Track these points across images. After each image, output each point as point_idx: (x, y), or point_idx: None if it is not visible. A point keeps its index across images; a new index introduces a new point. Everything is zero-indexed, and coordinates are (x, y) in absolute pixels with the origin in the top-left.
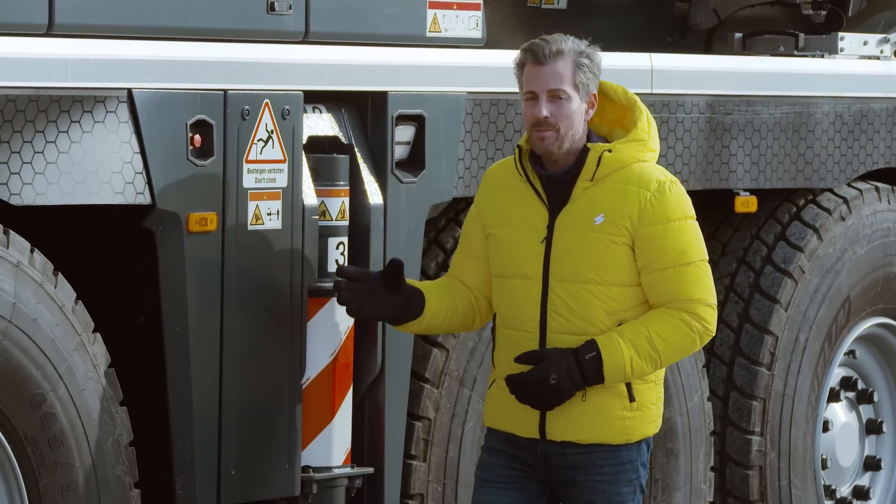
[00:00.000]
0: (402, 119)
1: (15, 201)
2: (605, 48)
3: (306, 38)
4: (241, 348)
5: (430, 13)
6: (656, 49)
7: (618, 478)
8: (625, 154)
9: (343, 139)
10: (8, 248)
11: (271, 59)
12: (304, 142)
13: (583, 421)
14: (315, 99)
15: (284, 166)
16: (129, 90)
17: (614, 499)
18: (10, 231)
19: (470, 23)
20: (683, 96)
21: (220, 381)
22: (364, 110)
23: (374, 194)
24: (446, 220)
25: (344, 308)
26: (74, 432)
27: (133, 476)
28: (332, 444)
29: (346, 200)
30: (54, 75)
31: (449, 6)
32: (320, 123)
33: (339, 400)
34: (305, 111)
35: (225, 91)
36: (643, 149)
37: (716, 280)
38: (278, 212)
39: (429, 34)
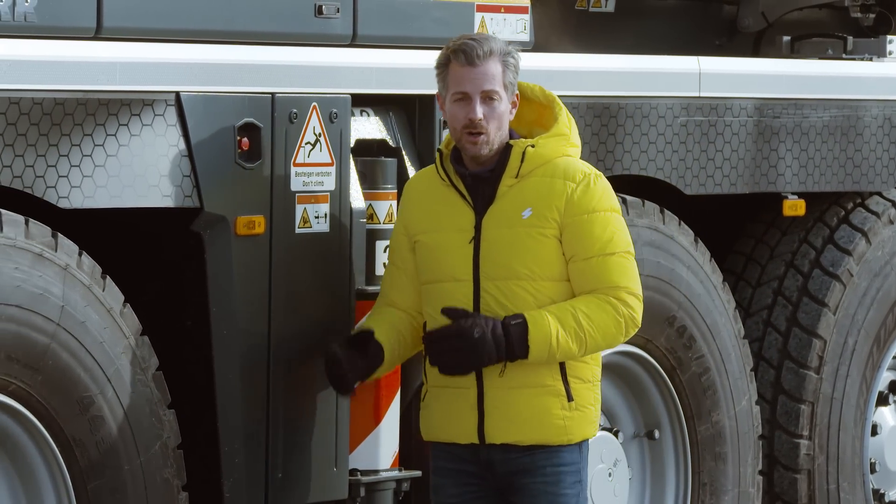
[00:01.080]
0: None
1: (63, 204)
2: (653, 51)
3: (354, 41)
4: (288, 351)
5: (478, 16)
6: (704, 52)
7: (560, 479)
8: (548, 149)
9: (391, 142)
10: (56, 251)
11: (319, 63)
12: (352, 145)
13: (521, 422)
14: (363, 102)
15: (332, 169)
16: (178, 93)
17: (559, 500)
18: (59, 234)
19: (518, 26)
20: (731, 100)
21: (268, 384)
22: (412, 113)
23: None
24: None
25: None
26: (122, 435)
27: (181, 479)
28: (380, 448)
29: (394, 204)
30: (102, 78)
31: (496, 9)
32: (368, 127)
33: (387, 403)
34: (353, 114)
35: (273, 94)
36: (566, 143)
37: (763, 284)
38: (326, 215)
39: None
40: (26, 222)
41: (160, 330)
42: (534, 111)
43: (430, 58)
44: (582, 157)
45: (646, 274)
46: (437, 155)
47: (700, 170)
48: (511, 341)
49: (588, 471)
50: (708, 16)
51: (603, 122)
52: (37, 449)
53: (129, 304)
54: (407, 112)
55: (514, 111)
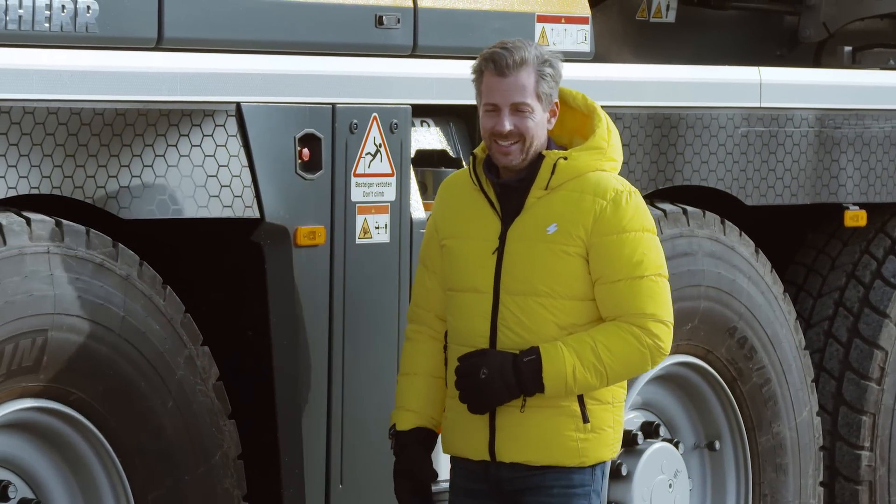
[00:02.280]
0: None
1: (124, 214)
2: (714, 62)
3: (414, 51)
4: (348, 361)
5: (539, 27)
6: (765, 63)
7: (566, 500)
8: (581, 162)
9: (451, 153)
10: (117, 261)
11: (379, 73)
12: (412, 155)
13: (533, 442)
14: (423, 112)
15: (392, 180)
16: (238, 104)
17: None
18: (119, 244)
19: (578, 36)
20: (792, 110)
21: (328, 394)
22: (472, 123)
23: None
24: None
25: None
26: (183, 445)
27: (241, 489)
28: (441, 458)
29: None
30: (163, 89)
31: (557, 20)
32: (428, 137)
33: None
34: (413, 125)
35: (333, 105)
36: (601, 157)
37: (824, 294)
38: (386, 225)
39: None
40: (87, 232)
41: (221, 340)
42: (576, 119)
43: None
44: (643, 169)
45: (706, 285)
46: (470, 158)
47: (761, 180)
48: (523, 379)
49: (604, 494)
50: (769, 26)
51: (663, 132)
52: (97, 459)
53: (189, 314)
54: (467, 122)
55: (554, 120)
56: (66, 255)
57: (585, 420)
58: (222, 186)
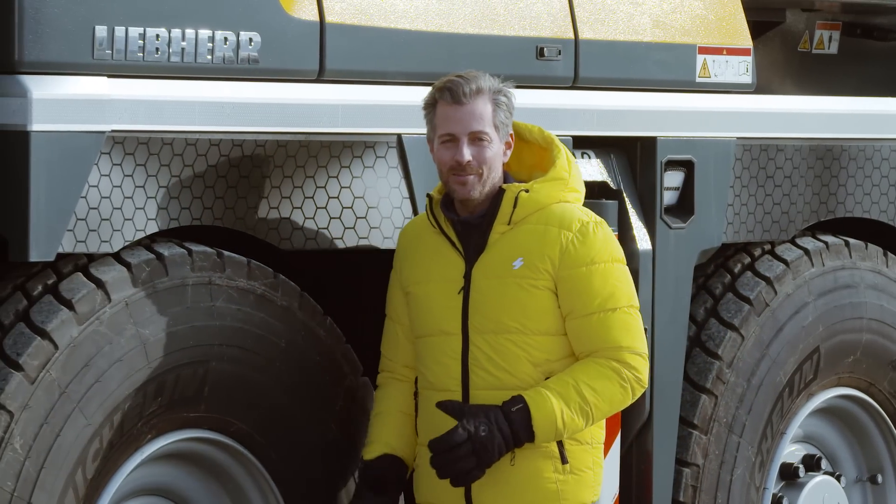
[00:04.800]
0: (672, 164)
1: (285, 246)
2: (877, 93)
3: (575, 83)
4: None
5: (700, 58)
6: None
7: None
8: (543, 194)
9: (612, 184)
10: (278, 292)
11: (541, 105)
12: None
13: (511, 488)
14: (584, 144)
15: None
16: (399, 135)
17: None
18: (280, 275)
19: (740, 68)
20: None
21: None
22: (633, 155)
23: (642, 240)
24: (715, 266)
25: None
26: (344, 475)
27: None
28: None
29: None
30: (324, 121)
31: (719, 51)
32: (589, 168)
33: (608, 445)
34: (574, 156)
35: None
36: (563, 188)
37: None
38: None
39: (698, 79)
40: (248, 263)
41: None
42: (534, 154)
43: (652, 100)
44: (804, 200)
45: (868, 317)
46: (427, 201)
47: None
48: (515, 429)
49: None
50: None
51: (825, 164)
52: (257, 489)
53: (349, 346)
54: (628, 154)
55: (509, 152)
56: (228, 286)
57: (564, 461)
58: (383, 218)
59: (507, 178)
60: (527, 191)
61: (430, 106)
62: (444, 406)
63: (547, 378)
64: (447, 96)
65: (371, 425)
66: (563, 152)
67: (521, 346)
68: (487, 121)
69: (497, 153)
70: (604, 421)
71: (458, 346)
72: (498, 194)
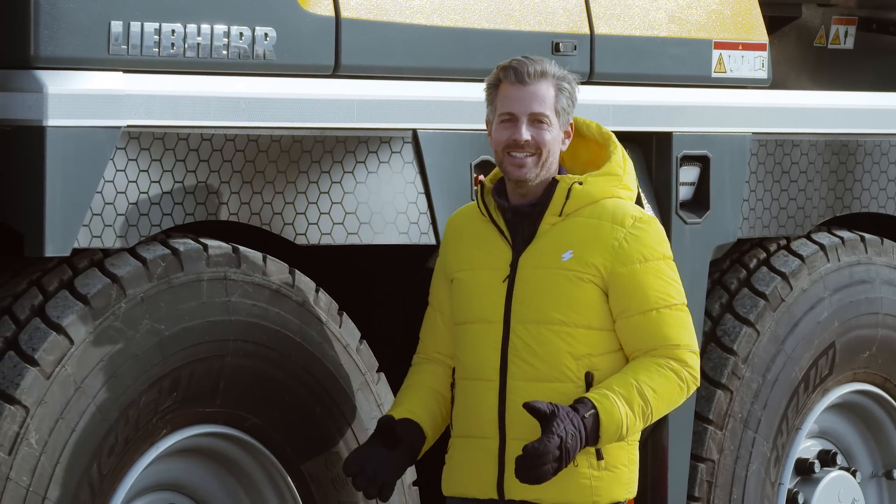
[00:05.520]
0: (687, 160)
1: (300, 241)
2: (893, 88)
3: (591, 78)
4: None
5: (716, 53)
6: None
7: None
8: (596, 188)
9: None
10: (293, 287)
11: None
12: None
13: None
14: None
15: None
16: (415, 131)
17: None
18: (296, 271)
19: (756, 63)
20: None
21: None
22: (648, 151)
23: None
24: (731, 261)
25: None
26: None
27: None
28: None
29: None
30: (340, 116)
31: (735, 46)
32: None
33: None
34: None
35: None
36: (617, 184)
37: None
38: None
39: (714, 74)
40: (264, 259)
41: (395, 366)
42: (590, 150)
43: (668, 95)
44: (820, 196)
45: (884, 312)
46: (477, 187)
47: None
48: (586, 435)
49: None
50: None
51: (841, 159)
52: (272, 485)
53: (365, 341)
54: (643, 149)
55: (568, 142)
56: (244, 281)
57: (599, 457)
58: (398, 213)
59: (560, 171)
60: (580, 183)
61: (493, 86)
62: (532, 408)
63: (587, 372)
64: (511, 75)
65: (398, 395)
66: (620, 149)
67: (564, 337)
68: (549, 104)
69: (556, 138)
70: None
71: (498, 335)
72: (551, 184)
